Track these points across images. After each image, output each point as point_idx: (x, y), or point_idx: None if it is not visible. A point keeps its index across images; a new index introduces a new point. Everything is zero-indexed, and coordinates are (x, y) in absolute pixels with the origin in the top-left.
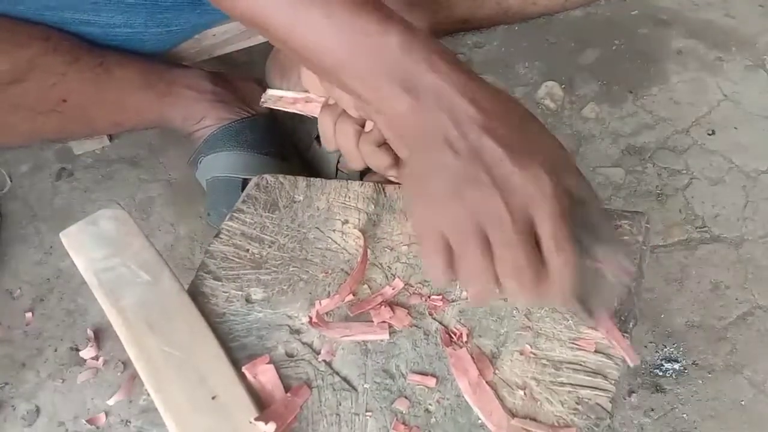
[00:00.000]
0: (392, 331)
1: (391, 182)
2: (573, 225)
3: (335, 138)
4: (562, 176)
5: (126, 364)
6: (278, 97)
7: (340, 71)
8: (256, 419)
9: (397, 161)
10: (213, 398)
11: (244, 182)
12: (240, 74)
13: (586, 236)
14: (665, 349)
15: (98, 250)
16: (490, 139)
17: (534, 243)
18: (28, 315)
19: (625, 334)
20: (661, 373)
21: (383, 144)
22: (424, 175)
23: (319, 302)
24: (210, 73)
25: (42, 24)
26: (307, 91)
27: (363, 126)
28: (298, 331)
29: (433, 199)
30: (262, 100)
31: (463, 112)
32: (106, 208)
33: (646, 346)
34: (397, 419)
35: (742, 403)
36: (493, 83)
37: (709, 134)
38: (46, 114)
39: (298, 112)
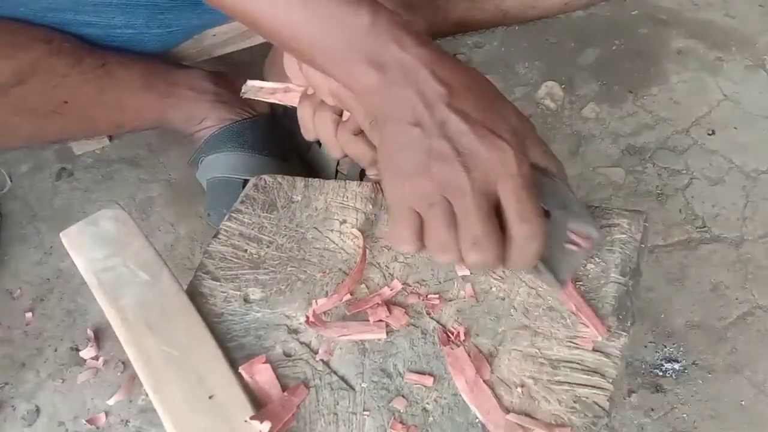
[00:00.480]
0: (390, 331)
1: None
2: (538, 195)
3: (314, 127)
4: (525, 148)
5: (126, 364)
6: (258, 88)
7: (313, 52)
8: (252, 418)
9: (375, 151)
10: (210, 398)
11: (245, 183)
12: (240, 74)
13: (551, 206)
14: (665, 349)
15: (98, 250)
16: (454, 114)
17: (493, 215)
18: (28, 315)
19: (623, 333)
20: (661, 373)
21: (360, 133)
22: (393, 149)
23: (316, 302)
24: (211, 74)
25: (44, 26)
26: (286, 82)
27: (341, 115)
28: (296, 331)
29: (402, 173)
30: (242, 91)
31: (428, 88)
32: (106, 209)
33: (646, 346)
34: (394, 418)
35: (742, 403)
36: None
37: (709, 134)
38: (47, 115)
39: (277, 102)
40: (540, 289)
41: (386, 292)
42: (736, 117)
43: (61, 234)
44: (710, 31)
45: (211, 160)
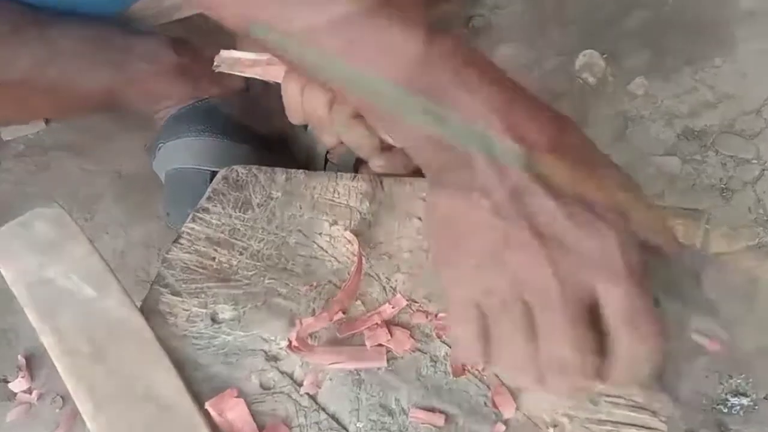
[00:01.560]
0: (391, 357)
1: (389, 174)
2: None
3: (302, 108)
4: (631, 224)
5: (65, 398)
6: (235, 59)
7: (348, 89)
8: None
9: (380, 140)
10: None
11: (213, 175)
12: (208, 42)
13: (664, 296)
14: (731, 381)
15: (31, 259)
16: (537, 185)
17: (588, 325)
18: None
19: None
20: (726, 410)
21: (359, 115)
22: (452, 223)
23: (300, 322)
24: (174, 41)
25: None
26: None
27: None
28: (275, 358)
29: (465, 259)
30: (215, 63)
31: (502, 145)
32: (40, 207)
33: (707, 377)
34: None
35: None
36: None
37: None
38: None
39: (257, 77)
40: None
41: (387, 309)
42: None
43: None
44: None
45: (172, 147)
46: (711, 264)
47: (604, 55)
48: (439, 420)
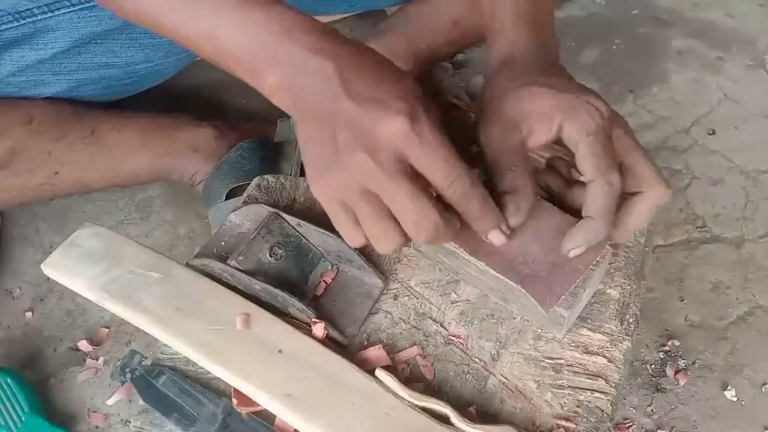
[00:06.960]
0: None
1: None
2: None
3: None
4: (428, 113)
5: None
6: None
7: (225, 61)
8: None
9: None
10: (280, 352)
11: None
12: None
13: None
14: (665, 349)
15: (93, 268)
16: (346, 98)
17: (417, 187)
18: (28, 314)
19: (627, 337)
20: (661, 373)
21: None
22: (305, 146)
23: None
24: (221, 130)
25: (24, 104)
26: None
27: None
28: None
29: (319, 171)
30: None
31: (320, 73)
32: (81, 229)
33: (647, 346)
34: None
35: (743, 403)
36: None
37: (709, 134)
38: (37, 187)
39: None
40: None
41: None
42: (736, 117)
43: (42, 266)
44: (710, 30)
45: (218, 210)
46: (651, 254)
47: None
48: None
